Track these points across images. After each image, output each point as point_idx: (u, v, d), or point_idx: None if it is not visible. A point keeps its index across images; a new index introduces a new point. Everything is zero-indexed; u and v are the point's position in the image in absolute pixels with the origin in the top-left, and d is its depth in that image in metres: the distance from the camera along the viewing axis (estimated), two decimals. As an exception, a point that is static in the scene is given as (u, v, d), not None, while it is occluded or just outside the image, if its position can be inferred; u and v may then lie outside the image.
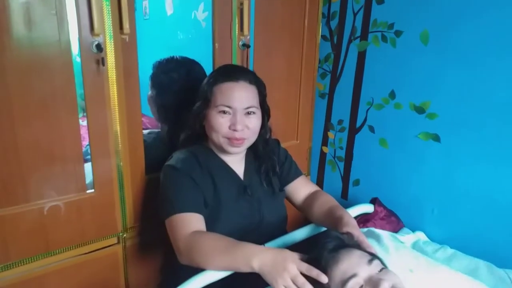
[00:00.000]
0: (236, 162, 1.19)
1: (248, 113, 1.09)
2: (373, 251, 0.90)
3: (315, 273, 0.81)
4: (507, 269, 1.19)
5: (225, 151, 1.12)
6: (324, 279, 0.80)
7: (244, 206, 1.15)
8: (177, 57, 1.39)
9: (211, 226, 1.06)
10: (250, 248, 0.90)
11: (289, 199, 1.30)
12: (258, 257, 0.87)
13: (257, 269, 0.87)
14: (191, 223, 1.01)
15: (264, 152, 1.21)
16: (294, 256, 0.87)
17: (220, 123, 1.07)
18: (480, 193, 1.34)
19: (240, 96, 1.07)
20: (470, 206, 1.37)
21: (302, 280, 0.82)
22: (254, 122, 1.10)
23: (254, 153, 1.22)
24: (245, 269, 0.89)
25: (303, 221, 1.27)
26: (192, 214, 1.02)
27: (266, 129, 1.19)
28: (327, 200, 1.20)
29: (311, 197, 1.25)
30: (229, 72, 1.10)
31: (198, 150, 1.15)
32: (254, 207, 1.16)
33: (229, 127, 1.07)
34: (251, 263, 0.87)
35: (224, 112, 1.07)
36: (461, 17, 1.30)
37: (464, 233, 1.39)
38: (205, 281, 0.94)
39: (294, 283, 0.82)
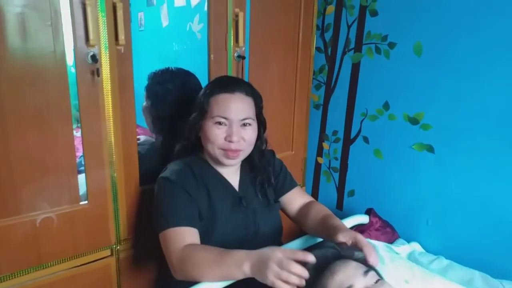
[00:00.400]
0: (231, 174, 1.18)
1: (244, 124, 1.09)
2: (376, 261, 0.89)
3: (300, 255, 0.81)
4: (502, 280, 1.20)
5: (220, 163, 1.12)
6: (310, 258, 0.80)
7: (239, 217, 1.14)
8: (172, 68, 1.40)
9: (206, 238, 1.05)
10: (240, 254, 0.90)
11: (283, 210, 1.30)
12: (247, 260, 0.87)
13: (249, 272, 0.86)
14: (185, 237, 1.00)
15: (259, 163, 1.21)
16: (280, 248, 0.86)
17: (216, 134, 1.07)
18: (475, 204, 1.35)
19: (236, 108, 1.07)
20: (465, 216, 1.38)
21: (287, 261, 0.80)
22: (250, 134, 1.10)
23: (249, 164, 1.22)
24: (239, 275, 0.89)
25: (298, 233, 1.26)
26: (186, 228, 1.01)
27: (262, 140, 1.19)
28: (321, 210, 1.19)
29: (305, 208, 1.24)
30: (226, 84, 1.11)
31: (193, 161, 1.14)
32: (249, 219, 1.15)
33: (225, 139, 1.07)
34: (242, 268, 0.87)
35: (220, 123, 1.07)
36: (454, 29, 1.32)
37: (459, 244, 1.40)
38: (200, 294, 0.93)
39: (282, 269, 0.80)
